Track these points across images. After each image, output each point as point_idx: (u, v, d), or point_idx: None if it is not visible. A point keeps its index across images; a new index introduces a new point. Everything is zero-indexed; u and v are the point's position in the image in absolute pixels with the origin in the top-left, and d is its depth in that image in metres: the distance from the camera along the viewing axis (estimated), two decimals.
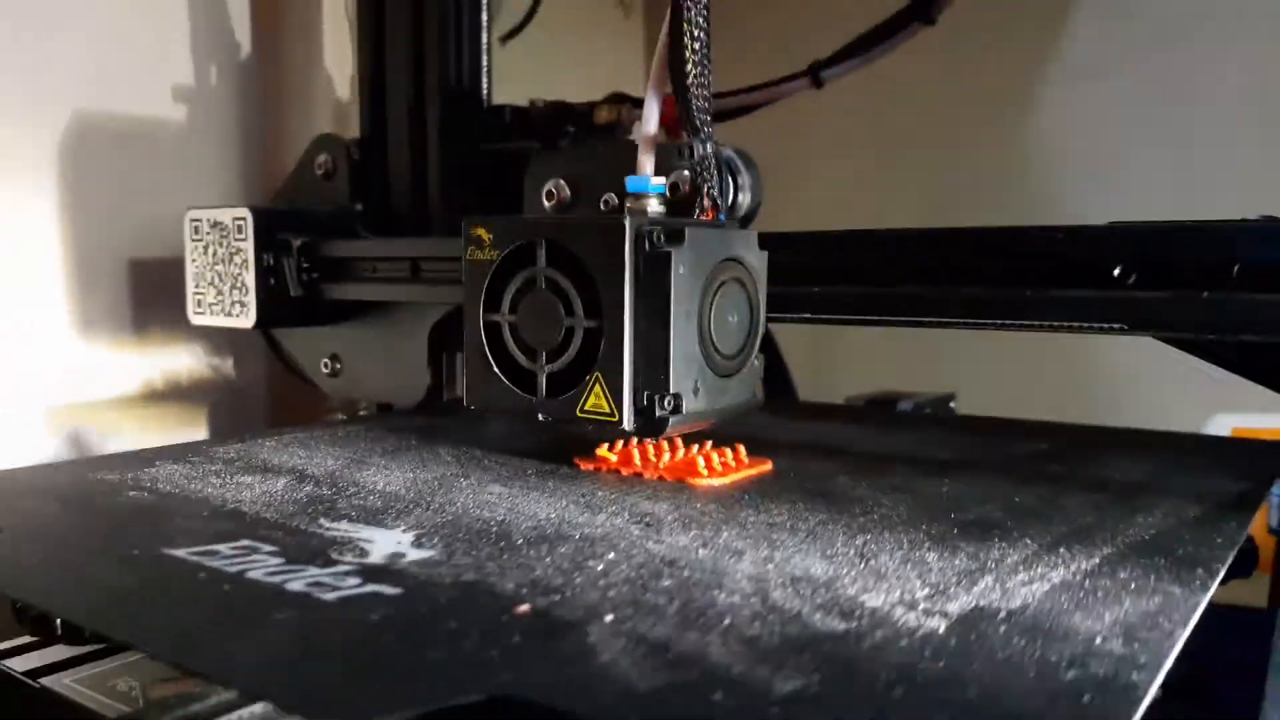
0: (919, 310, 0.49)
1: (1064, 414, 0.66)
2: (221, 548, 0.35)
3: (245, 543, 0.36)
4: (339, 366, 0.73)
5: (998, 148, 1.01)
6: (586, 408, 0.43)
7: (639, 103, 0.72)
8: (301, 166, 0.75)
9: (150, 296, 0.76)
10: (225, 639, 0.27)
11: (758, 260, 0.47)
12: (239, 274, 0.68)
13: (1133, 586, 0.31)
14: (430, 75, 0.72)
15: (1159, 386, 0.89)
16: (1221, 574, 0.33)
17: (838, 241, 0.50)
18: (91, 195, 0.72)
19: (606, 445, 0.49)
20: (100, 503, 0.42)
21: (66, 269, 0.71)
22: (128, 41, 0.73)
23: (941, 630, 0.28)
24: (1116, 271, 0.44)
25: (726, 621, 0.28)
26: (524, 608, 0.29)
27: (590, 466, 0.48)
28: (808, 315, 0.50)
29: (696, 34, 0.45)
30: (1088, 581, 0.32)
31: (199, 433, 0.80)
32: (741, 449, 0.48)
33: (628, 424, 0.42)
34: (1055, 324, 0.47)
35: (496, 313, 0.45)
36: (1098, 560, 0.34)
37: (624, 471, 0.47)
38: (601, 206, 0.52)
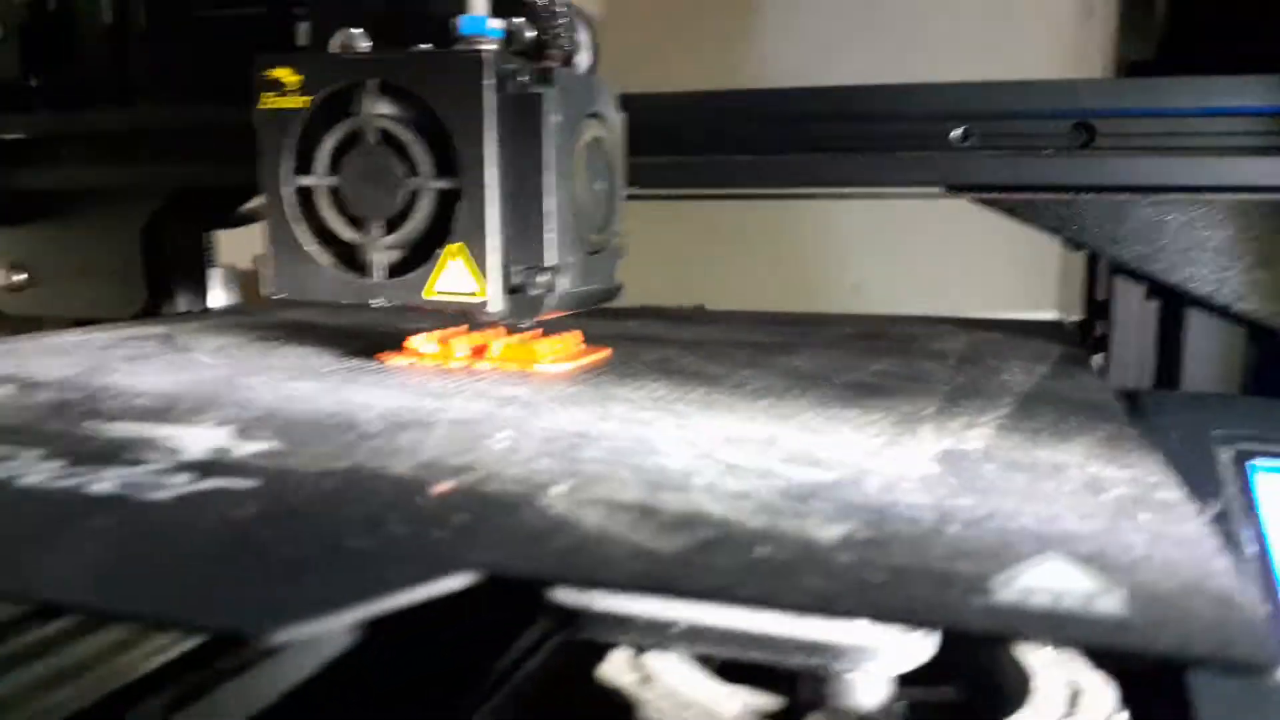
0: (754, 179, 0.46)
1: None
2: None
3: None
4: (23, 278, 0.59)
5: None
6: (439, 288, 0.35)
7: None
8: None
9: None
10: (35, 556, 0.19)
11: (617, 119, 0.41)
12: None
13: (1067, 425, 0.30)
14: None
15: (885, 295, 0.93)
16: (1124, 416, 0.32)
17: (662, 105, 0.46)
18: None
19: (417, 338, 0.42)
20: None
21: None
22: None
23: (936, 471, 0.24)
24: (955, 134, 0.43)
25: (698, 481, 0.23)
26: (443, 486, 0.23)
27: (396, 360, 0.40)
28: (635, 190, 0.45)
29: None
30: (1021, 425, 0.30)
31: None
32: (575, 336, 0.43)
33: (495, 305, 0.35)
34: (880, 191, 0.46)
35: (309, 175, 0.36)
36: (1009, 409, 0.32)
37: (445, 364, 0.40)
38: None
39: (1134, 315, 0.46)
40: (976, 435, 0.28)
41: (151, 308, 0.60)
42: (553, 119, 0.35)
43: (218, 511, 0.21)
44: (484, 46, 0.37)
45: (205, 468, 0.24)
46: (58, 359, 0.41)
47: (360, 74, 0.35)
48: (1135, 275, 0.45)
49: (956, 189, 0.45)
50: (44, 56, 0.60)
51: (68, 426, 0.29)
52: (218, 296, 0.65)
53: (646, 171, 0.44)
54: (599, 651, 0.25)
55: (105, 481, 0.23)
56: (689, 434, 0.28)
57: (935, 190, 0.45)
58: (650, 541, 0.19)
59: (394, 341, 0.41)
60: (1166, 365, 0.46)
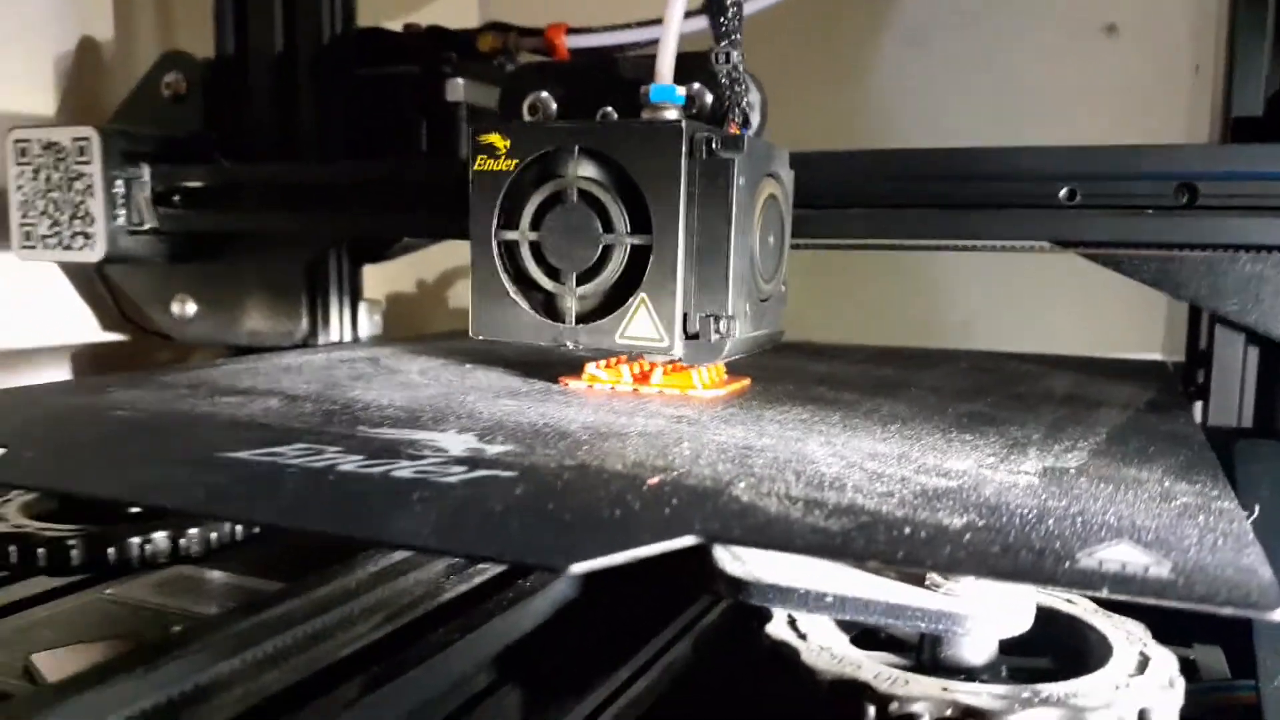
0: (875, 231, 0.52)
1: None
2: (284, 449, 0.34)
3: (302, 445, 0.34)
4: (194, 309, 0.69)
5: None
6: (627, 334, 0.42)
7: (521, 30, 0.72)
8: (145, 86, 0.70)
9: None
10: (389, 515, 0.27)
11: (789, 178, 0.47)
12: (81, 202, 0.63)
13: (1152, 451, 0.36)
14: None
15: (993, 332, 0.98)
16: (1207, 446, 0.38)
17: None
18: None
19: (591, 365, 0.50)
20: (107, 420, 0.39)
21: None
22: None
23: (1037, 482, 0.31)
24: (1063, 193, 0.49)
25: (849, 483, 0.30)
26: (654, 479, 0.30)
27: (574, 383, 0.48)
28: None
29: None
30: (1112, 449, 0.36)
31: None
32: (719, 366, 0.50)
33: (677, 351, 0.41)
34: (997, 242, 0.52)
35: (514, 230, 0.44)
36: (1104, 437, 0.38)
37: (615, 388, 0.48)
38: (603, 115, 0.50)
39: (1234, 363, 0.50)
40: (1074, 457, 0.35)
41: (309, 337, 0.69)
42: (739, 182, 0.41)
43: (499, 490, 0.29)
44: (671, 114, 0.44)
45: (471, 462, 0.32)
46: (295, 377, 0.50)
47: (566, 141, 0.42)
48: (1235, 326, 0.50)
49: (1063, 244, 0.50)
50: (222, 111, 0.70)
51: (345, 430, 0.37)
52: (364, 327, 0.74)
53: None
54: (764, 615, 0.32)
55: (404, 469, 0.31)
56: (835, 449, 0.35)
57: (1044, 245, 0.51)
58: (821, 523, 0.26)
59: (563, 369, 0.49)
60: (1265, 413, 0.50)
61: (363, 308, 0.74)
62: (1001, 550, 0.24)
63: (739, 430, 0.38)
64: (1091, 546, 0.24)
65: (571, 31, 0.69)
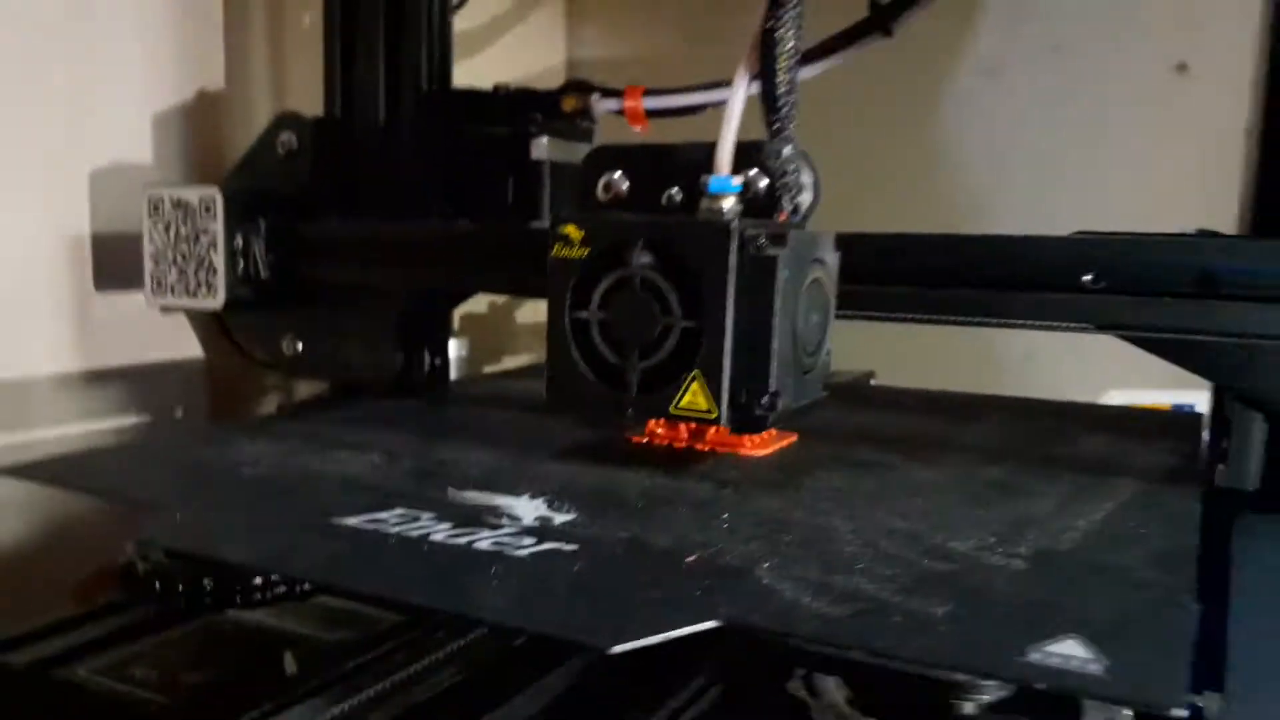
0: (913, 308, 0.57)
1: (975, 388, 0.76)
2: (386, 515, 0.40)
3: (401, 511, 0.41)
4: (300, 347, 0.76)
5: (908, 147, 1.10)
6: (681, 405, 0.46)
7: (603, 91, 0.78)
8: (261, 144, 0.77)
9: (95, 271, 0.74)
10: (471, 591, 0.33)
11: (834, 260, 0.51)
12: (205, 255, 0.70)
13: (1146, 532, 0.40)
14: (405, 56, 0.74)
15: (1054, 366, 1.01)
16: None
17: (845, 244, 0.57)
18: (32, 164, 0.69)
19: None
20: (236, 481, 0.46)
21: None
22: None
23: (1025, 567, 0.36)
24: (1087, 278, 0.53)
25: (859, 566, 0.35)
26: (691, 558, 0.36)
27: (641, 439, 0.54)
28: None
29: (789, 30, 0.48)
30: (1108, 529, 0.40)
31: (143, 413, 0.79)
32: None
33: (725, 421, 0.46)
34: (1034, 323, 0.55)
35: (585, 310, 0.49)
36: (1107, 513, 0.43)
37: (675, 445, 0.53)
38: (663, 202, 0.56)
39: (1250, 435, 0.54)
40: (1070, 537, 0.39)
41: (404, 375, 0.75)
42: (782, 275, 0.45)
43: (560, 566, 0.35)
44: (728, 207, 0.50)
45: (540, 533, 0.38)
46: (393, 432, 0.57)
47: (631, 234, 0.47)
48: (1254, 405, 0.53)
49: (1101, 327, 0.53)
50: (330, 167, 0.76)
51: (437, 494, 0.44)
52: (454, 362, 0.80)
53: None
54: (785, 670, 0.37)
55: (484, 540, 0.37)
56: (858, 524, 0.40)
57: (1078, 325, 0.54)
58: (825, 609, 0.32)
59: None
60: (1271, 484, 0.53)
61: (452, 344, 0.81)
62: (961, 644, 0.29)
63: (775, 502, 0.44)
64: (1043, 642, 0.29)
65: (648, 93, 0.75)
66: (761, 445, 0.53)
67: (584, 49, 1.24)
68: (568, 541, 0.37)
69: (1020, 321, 0.56)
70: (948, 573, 0.35)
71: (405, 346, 0.76)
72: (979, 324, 0.56)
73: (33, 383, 0.70)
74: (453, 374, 0.81)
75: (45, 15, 0.69)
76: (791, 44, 0.49)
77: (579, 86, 0.78)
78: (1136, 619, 0.31)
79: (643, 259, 0.48)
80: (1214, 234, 0.54)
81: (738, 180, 0.51)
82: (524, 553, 0.36)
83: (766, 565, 0.35)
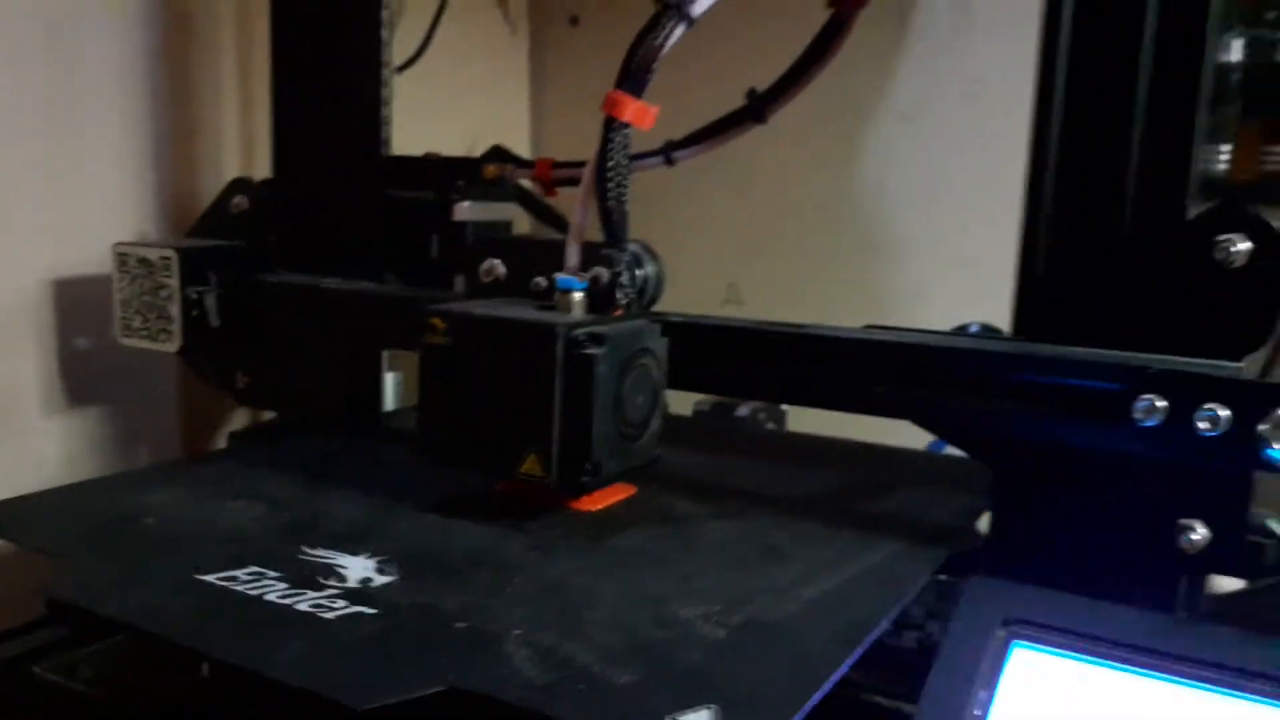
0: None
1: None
2: (238, 573, 0.50)
3: (253, 570, 0.50)
4: (249, 382, 0.85)
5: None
6: (524, 470, 0.56)
7: (519, 161, 0.87)
8: (216, 205, 0.87)
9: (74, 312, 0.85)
10: (268, 648, 0.43)
11: (660, 347, 0.60)
12: (164, 306, 0.80)
13: (853, 602, 0.49)
14: (342, 123, 0.84)
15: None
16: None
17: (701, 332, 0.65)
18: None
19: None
20: (134, 533, 0.56)
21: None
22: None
23: (724, 637, 0.45)
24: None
25: (597, 635, 0.45)
26: (462, 624, 0.45)
27: (499, 488, 0.63)
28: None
29: (618, 161, 0.58)
30: (827, 601, 0.49)
31: (121, 438, 0.90)
32: None
33: (555, 486, 0.56)
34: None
35: (450, 384, 0.58)
36: (837, 585, 0.51)
37: (526, 497, 0.63)
38: (531, 287, 0.65)
39: None
40: (787, 607, 0.48)
41: (339, 407, 0.85)
42: (600, 369, 0.55)
43: (356, 629, 0.44)
44: (575, 300, 0.59)
45: (356, 596, 0.48)
46: (290, 478, 0.66)
47: (480, 329, 0.57)
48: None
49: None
50: (275, 226, 0.85)
51: (292, 551, 0.53)
52: (389, 396, 0.89)
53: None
54: None
55: (305, 603, 0.47)
56: (623, 589, 0.49)
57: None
58: (534, 676, 0.41)
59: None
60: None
61: (388, 380, 0.90)
62: (618, 713, 0.38)
63: (570, 564, 0.53)
64: (681, 713, 0.38)
65: (556, 165, 0.85)
66: (596, 501, 0.62)
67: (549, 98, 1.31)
68: (371, 605, 0.47)
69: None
70: (658, 640, 0.44)
71: (340, 383, 0.86)
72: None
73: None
74: (391, 403, 0.90)
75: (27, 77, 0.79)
76: (619, 175, 0.59)
77: (499, 155, 0.88)
78: (772, 690, 0.40)
79: (489, 354, 0.57)
80: (995, 330, 0.63)
81: (584, 277, 0.60)
82: (332, 616, 0.46)
83: (517, 632, 0.44)
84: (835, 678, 0.42)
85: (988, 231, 1.11)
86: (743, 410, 0.94)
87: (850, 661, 0.43)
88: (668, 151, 0.81)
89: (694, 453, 0.75)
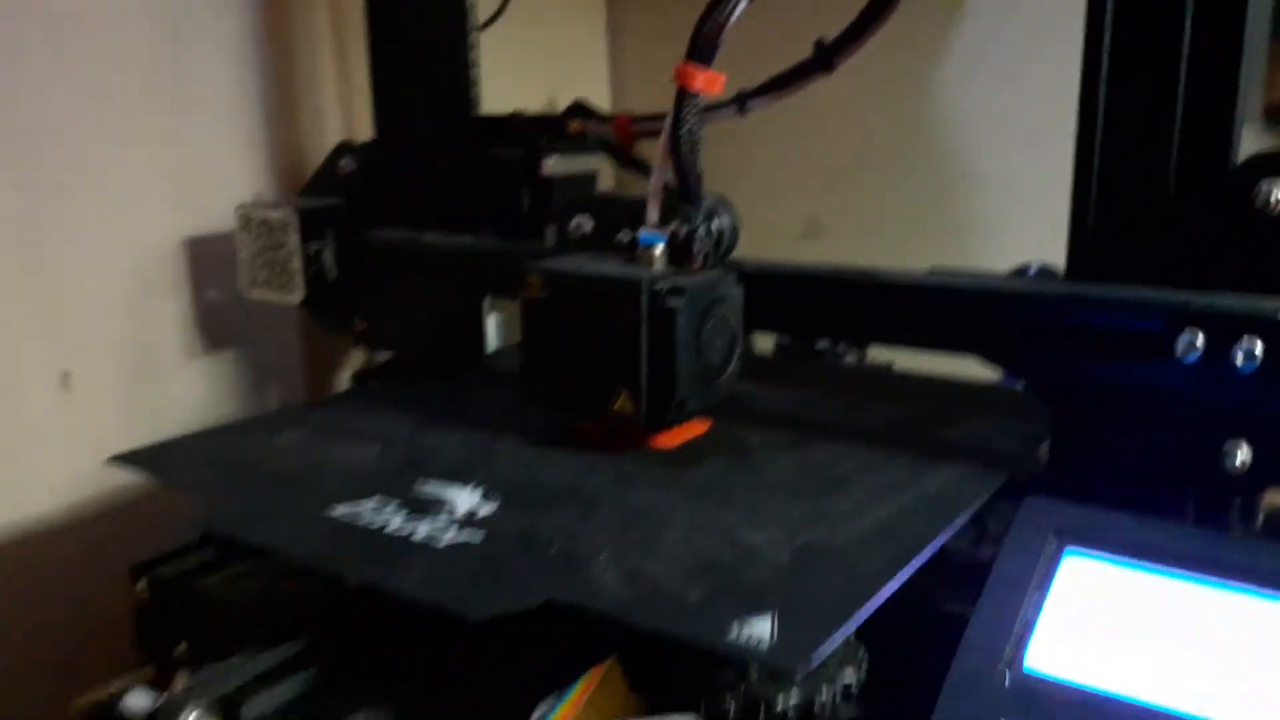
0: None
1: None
2: (360, 509, 0.57)
3: (374, 505, 0.57)
4: (366, 327, 0.93)
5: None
6: (616, 408, 0.63)
7: (599, 116, 0.92)
8: (324, 167, 0.94)
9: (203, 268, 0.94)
10: (396, 571, 0.50)
11: (736, 295, 0.66)
12: (286, 261, 0.88)
13: (902, 531, 0.54)
14: (435, 85, 0.91)
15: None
16: None
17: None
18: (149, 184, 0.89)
19: None
20: (262, 474, 0.64)
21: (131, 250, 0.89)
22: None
23: (786, 559, 0.50)
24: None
25: (675, 554, 0.51)
26: (554, 550, 0.52)
27: (587, 428, 0.70)
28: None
29: (691, 126, 0.63)
30: (881, 527, 0.54)
31: (251, 380, 0.99)
32: None
33: (647, 422, 0.62)
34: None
35: (548, 334, 0.65)
36: (890, 514, 0.56)
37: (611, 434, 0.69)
38: (616, 241, 0.71)
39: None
40: (843, 532, 0.53)
41: (445, 350, 0.92)
42: (682, 320, 0.61)
43: (466, 555, 0.51)
44: (657, 254, 0.64)
45: (464, 523, 0.54)
46: (403, 416, 0.74)
47: (572, 283, 0.63)
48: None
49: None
50: (379, 186, 0.92)
51: (408, 484, 0.60)
52: (492, 337, 0.96)
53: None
54: None
55: (419, 534, 0.54)
56: (695, 519, 0.55)
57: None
58: (619, 592, 0.47)
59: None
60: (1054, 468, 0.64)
61: (490, 321, 0.97)
62: (689, 620, 0.44)
63: (648, 496, 0.59)
64: (745, 619, 0.44)
65: (635, 120, 0.89)
66: (674, 438, 0.68)
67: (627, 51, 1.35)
68: (479, 530, 0.54)
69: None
70: (726, 562, 0.50)
71: (446, 327, 0.93)
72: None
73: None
74: (493, 344, 0.97)
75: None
76: (692, 139, 0.64)
77: (581, 111, 0.93)
78: (823, 605, 0.45)
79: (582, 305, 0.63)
80: (1051, 271, 0.66)
81: (663, 232, 0.65)
82: (442, 544, 0.53)
83: (602, 556, 0.51)
84: (884, 593, 0.47)
85: (1055, 168, 1.13)
86: (822, 343, 0.98)
87: (900, 578, 0.48)
88: (741, 101, 0.85)
89: (772, 387, 0.80)
